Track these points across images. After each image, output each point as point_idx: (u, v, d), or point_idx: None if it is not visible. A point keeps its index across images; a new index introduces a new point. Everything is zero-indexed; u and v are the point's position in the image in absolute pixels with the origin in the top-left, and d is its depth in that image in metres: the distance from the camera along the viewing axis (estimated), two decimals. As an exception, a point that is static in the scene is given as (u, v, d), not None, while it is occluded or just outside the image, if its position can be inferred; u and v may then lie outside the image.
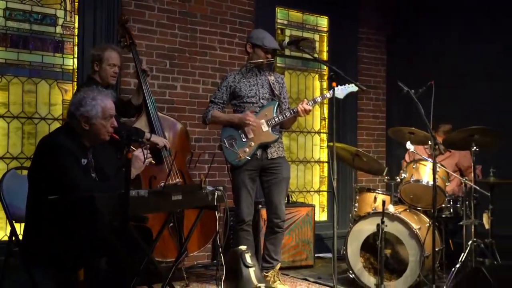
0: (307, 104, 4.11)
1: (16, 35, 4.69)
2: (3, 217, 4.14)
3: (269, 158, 4.19)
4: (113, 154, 3.48)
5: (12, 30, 4.67)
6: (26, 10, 4.74)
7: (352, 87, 4.09)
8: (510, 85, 5.49)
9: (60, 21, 4.91)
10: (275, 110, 4.21)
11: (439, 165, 4.39)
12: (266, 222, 4.39)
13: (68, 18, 4.94)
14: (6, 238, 4.13)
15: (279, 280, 4.27)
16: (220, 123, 4.30)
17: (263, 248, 4.35)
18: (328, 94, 4.08)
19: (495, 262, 4.25)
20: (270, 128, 4.17)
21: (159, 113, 4.45)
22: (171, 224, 4.23)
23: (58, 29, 4.90)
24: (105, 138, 3.12)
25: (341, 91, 4.07)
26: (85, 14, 4.85)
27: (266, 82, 4.27)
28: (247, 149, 4.14)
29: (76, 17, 4.93)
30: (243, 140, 4.15)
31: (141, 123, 4.36)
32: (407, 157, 5.29)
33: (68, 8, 4.94)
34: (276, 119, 4.17)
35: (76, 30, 4.93)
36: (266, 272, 4.19)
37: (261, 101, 4.23)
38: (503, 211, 4.76)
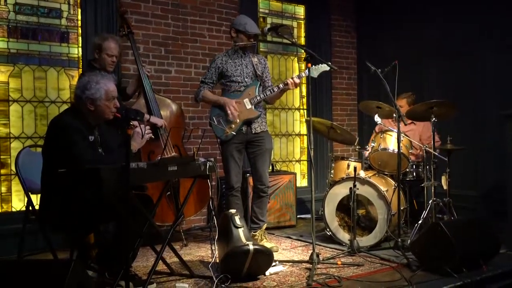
0: (297, 77, 4.07)
1: (26, 28, 4.62)
2: (20, 190, 4.14)
3: (253, 132, 4.20)
4: (116, 131, 3.47)
5: (21, 23, 4.60)
6: (34, 4, 4.66)
7: (324, 67, 4.07)
8: (464, 61, 5.51)
9: (65, 14, 4.84)
10: (257, 90, 4.19)
11: (403, 134, 4.41)
12: (252, 188, 4.41)
13: (71, 11, 4.87)
14: (24, 208, 4.14)
15: (266, 239, 4.31)
16: (209, 102, 4.29)
17: (250, 211, 4.38)
18: (303, 74, 4.08)
19: (452, 218, 4.32)
20: (253, 106, 4.16)
21: (155, 95, 4.42)
22: (168, 193, 4.25)
23: (63, 21, 4.83)
24: (109, 118, 3.12)
25: (315, 70, 4.06)
26: (87, 7, 4.78)
27: (250, 63, 4.24)
28: (233, 125, 4.14)
29: (79, 10, 4.86)
30: (230, 117, 4.15)
31: (139, 104, 4.34)
32: (377, 129, 5.30)
33: (71, 2, 4.86)
34: (258, 98, 4.16)
35: (79, 22, 4.86)
36: (254, 232, 4.22)
37: (245, 79, 4.21)
38: (458, 174, 4.83)
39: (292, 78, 4.08)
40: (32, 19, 4.65)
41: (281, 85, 4.14)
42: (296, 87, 4.14)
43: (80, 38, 4.85)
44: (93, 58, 4.01)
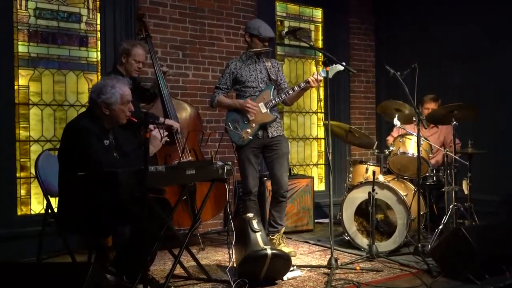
0: (318, 74, 4.00)
1: (46, 32, 4.68)
2: (39, 192, 4.18)
3: (270, 137, 4.16)
4: (131, 135, 3.48)
5: (41, 27, 4.66)
6: (54, 9, 4.72)
7: (338, 67, 3.98)
8: (485, 63, 5.43)
9: (84, 19, 4.89)
10: (272, 93, 4.16)
11: (423, 138, 4.35)
12: (271, 193, 4.39)
13: (91, 16, 4.92)
14: (43, 211, 4.17)
15: (284, 243, 4.26)
16: (224, 107, 4.29)
17: (268, 215, 4.34)
18: (318, 76, 4.01)
19: (473, 223, 4.25)
20: (268, 110, 4.14)
21: (172, 99, 4.44)
22: (184, 197, 4.25)
23: (82, 26, 4.88)
24: (123, 121, 3.13)
25: (330, 71, 3.99)
26: (106, 11, 4.83)
27: (264, 68, 4.22)
28: (249, 130, 4.12)
29: (98, 14, 4.91)
30: (245, 122, 4.13)
31: (156, 108, 4.36)
32: (395, 133, 5.23)
33: (90, 7, 4.91)
34: (274, 101, 4.13)
35: (98, 26, 4.91)
36: (272, 236, 4.19)
37: (260, 85, 4.19)
38: (480, 178, 4.75)
39: (313, 75, 4.02)
40: (52, 23, 4.70)
41: (302, 84, 4.09)
42: (318, 84, 4.04)
43: (99, 42, 4.90)
44: (119, 62, 4.06)
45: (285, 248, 4.15)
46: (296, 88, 4.11)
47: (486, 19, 5.40)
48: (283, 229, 4.29)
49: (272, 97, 4.15)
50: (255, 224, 3.49)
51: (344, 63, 3.97)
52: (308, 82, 4.04)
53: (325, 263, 3.75)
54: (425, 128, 4.81)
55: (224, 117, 5.17)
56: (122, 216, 2.97)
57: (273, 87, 4.21)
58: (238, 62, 4.26)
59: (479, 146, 4.43)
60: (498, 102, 5.29)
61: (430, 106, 5.05)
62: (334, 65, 3.98)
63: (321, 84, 5.93)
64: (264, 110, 4.14)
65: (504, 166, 5.22)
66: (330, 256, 3.60)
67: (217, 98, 4.23)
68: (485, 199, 5.05)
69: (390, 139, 5.19)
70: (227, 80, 4.24)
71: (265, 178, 4.96)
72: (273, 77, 4.23)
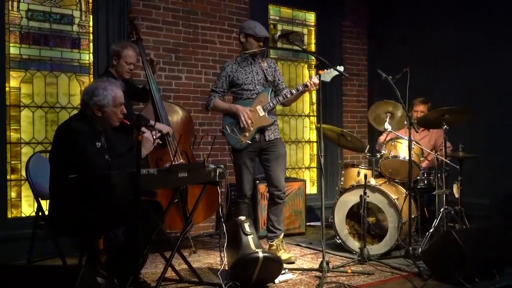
0: (316, 77, 3.99)
1: (38, 34, 4.67)
2: (30, 195, 4.16)
3: (266, 140, 4.12)
4: (122, 137, 3.47)
5: (34, 29, 4.64)
6: (46, 11, 4.71)
7: (334, 71, 3.98)
8: (478, 67, 5.45)
9: (77, 21, 4.88)
10: (269, 96, 4.13)
11: (414, 142, 4.38)
12: (263, 196, 4.37)
13: (83, 18, 4.91)
14: (33, 214, 4.15)
15: (283, 249, 4.16)
16: (221, 111, 4.23)
17: (266, 219, 4.27)
18: (316, 79, 4.02)
19: (464, 226, 4.28)
20: (266, 113, 4.10)
21: (163, 102, 4.43)
22: (176, 200, 4.24)
23: (75, 28, 4.87)
24: (116, 124, 3.13)
25: (327, 75, 3.99)
26: (99, 13, 4.83)
27: (260, 69, 4.18)
28: (247, 134, 4.07)
29: (91, 16, 4.90)
30: (242, 125, 4.07)
31: (147, 111, 4.36)
32: (382, 137, 5.19)
33: (83, 9, 4.90)
34: (271, 104, 4.10)
35: (91, 28, 4.91)
36: (271, 242, 4.14)
37: (257, 87, 4.14)
38: (470, 181, 4.77)
39: (310, 78, 4.01)
40: (44, 25, 4.69)
41: (299, 87, 4.07)
42: (316, 87, 4.02)
43: (91, 45, 4.89)
44: (111, 65, 4.07)
45: (285, 254, 4.07)
46: (294, 92, 4.09)
47: (479, 22, 5.42)
48: (282, 235, 4.19)
49: (269, 100, 4.12)
50: (247, 227, 3.50)
51: (335, 67, 3.97)
52: (306, 86, 4.03)
53: (316, 266, 3.75)
54: (417, 132, 4.82)
55: (216, 120, 5.19)
56: (115, 218, 2.96)
57: (270, 89, 4.17)
58: (234, 64, 4.21)
59: (473, 149, 4.46)
60: (495, 104, 5.28)
61: (419, 109, 5.09)
62: (330, 69, 3.98)
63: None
64: (262, 113, 4.09)
65: (498, 169, 5.23)
66: (321, 259, 3.60)
67: (213, 101, 4.17)
68: (476, 202, 5.09)
69: (382, 138, 5.14)
70: (223, 83, 4.19)
71: (257, 181, 4.96)
72: (269, 78, 4.19)
